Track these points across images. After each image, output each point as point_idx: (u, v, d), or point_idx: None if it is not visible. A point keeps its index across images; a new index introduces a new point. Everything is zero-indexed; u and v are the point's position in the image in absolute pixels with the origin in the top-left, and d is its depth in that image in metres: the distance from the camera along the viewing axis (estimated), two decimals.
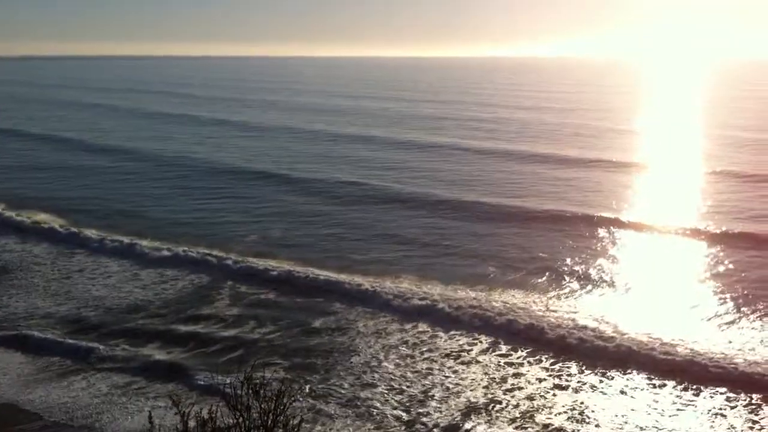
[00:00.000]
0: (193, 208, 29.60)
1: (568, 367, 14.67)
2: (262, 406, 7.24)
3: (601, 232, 24.82)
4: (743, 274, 19.99)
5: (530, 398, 13.41)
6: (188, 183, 34.99)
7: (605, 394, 13.61)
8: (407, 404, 13.15)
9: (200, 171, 37.94)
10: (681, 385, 13.80)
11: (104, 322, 17.27)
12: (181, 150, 45.12)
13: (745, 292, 18.57)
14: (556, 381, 14.10)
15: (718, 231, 24.26)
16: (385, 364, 14.81)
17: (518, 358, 15.15)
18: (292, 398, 7.48)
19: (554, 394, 13.57)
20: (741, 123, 59.06)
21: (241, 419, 7.15)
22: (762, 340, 15.75)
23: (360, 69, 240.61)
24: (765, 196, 30.54)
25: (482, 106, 78.61)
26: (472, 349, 15.54)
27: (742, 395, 13.35)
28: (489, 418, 12.75)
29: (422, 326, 16.75)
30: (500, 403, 13.23)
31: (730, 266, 20.72)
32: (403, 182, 34.14)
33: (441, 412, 12.88)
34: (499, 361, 14.96)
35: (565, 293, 18.84)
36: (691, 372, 14.18)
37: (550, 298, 18.42)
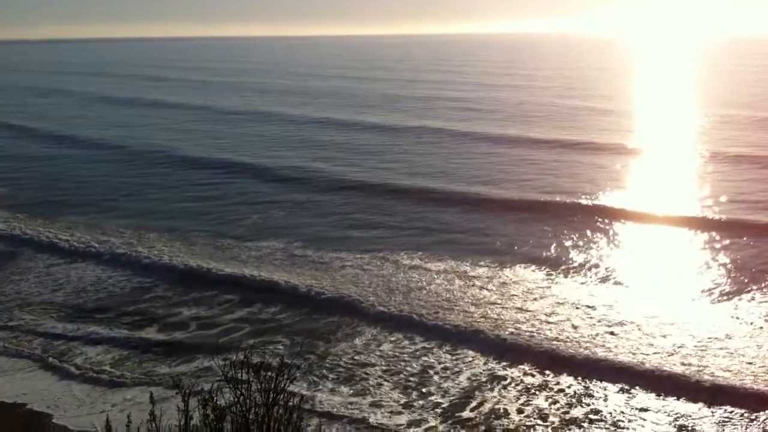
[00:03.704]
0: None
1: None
2: (262, 384, 7.27)
3: (595, 220, 24.83)
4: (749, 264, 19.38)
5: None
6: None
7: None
8: (404, 384, 13.23)
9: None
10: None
11: (102, 306, 17.31)
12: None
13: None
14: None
15: (719, 219, 23.35)
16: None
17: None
18: (292, 376, 7.52)
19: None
20: (739, 100, 58.24)
21: (241, 398, 7.18)
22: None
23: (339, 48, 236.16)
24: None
25: (471, 85, 77.62)
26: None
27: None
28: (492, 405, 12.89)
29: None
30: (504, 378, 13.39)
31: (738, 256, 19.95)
32: (374, 168, 33.03)
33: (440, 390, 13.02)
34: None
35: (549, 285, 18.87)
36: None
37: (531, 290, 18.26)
